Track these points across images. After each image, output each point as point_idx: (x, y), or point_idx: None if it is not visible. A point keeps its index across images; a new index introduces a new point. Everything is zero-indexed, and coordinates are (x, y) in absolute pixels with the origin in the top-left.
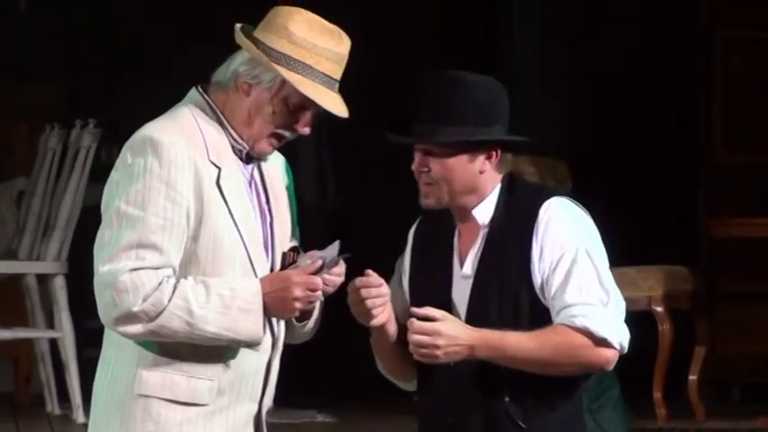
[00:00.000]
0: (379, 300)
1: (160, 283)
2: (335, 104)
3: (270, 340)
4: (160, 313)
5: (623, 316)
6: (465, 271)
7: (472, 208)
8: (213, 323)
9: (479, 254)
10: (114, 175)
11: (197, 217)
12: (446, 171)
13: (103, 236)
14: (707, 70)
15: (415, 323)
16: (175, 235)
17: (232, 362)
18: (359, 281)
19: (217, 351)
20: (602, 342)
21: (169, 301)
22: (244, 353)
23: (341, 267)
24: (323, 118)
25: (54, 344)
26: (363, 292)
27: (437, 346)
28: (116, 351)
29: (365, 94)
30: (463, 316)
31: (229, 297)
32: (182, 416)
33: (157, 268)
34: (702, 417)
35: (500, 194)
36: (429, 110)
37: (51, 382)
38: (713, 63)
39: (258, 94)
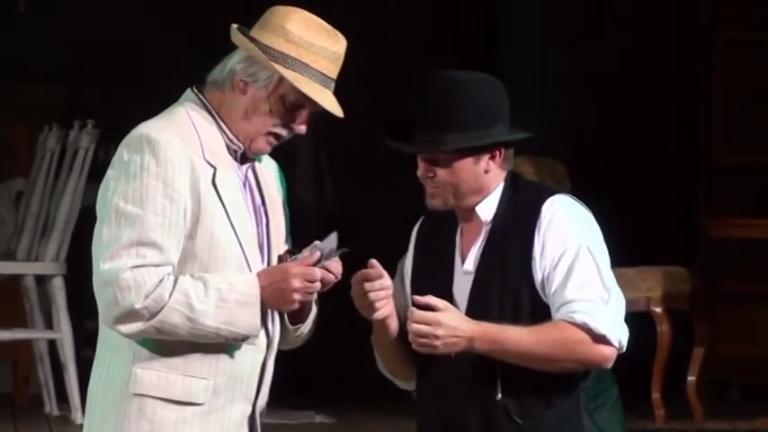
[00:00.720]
0: (382, 293)
1: (161, 280)
2: (331, 103)
3: (265, 340)
4: (161, 309)
5: (623, 314)
6: (466, 267)
7: (475, 205)
8: (212, 317)
9: (481, 250)
10: (110, 173)
11: (193, 215)
12: (452, 176)
13: (102, 234)
14: (707, 71)
15: (416, 312)
16: (174, 233)
17: (227, 361)
18: (362, 273)
19: (212, 350)
20: (601, 339)
21: (170, 296)
22: (239, 352)
23: (338, 262)
24: (320, 118)
25: (53, 344)
26: (367, 285)
27: (436, 336)
28: (110, 352)
29: (364, 95)
30: (463, 312)
31: (227, 290)
32: (177, 415)
33: (158, 266)
34: (701, 417)
35: (503, 192)
36: (430, 116)
37: (50, 382)
38: (713, 64)
39: (255, 93)
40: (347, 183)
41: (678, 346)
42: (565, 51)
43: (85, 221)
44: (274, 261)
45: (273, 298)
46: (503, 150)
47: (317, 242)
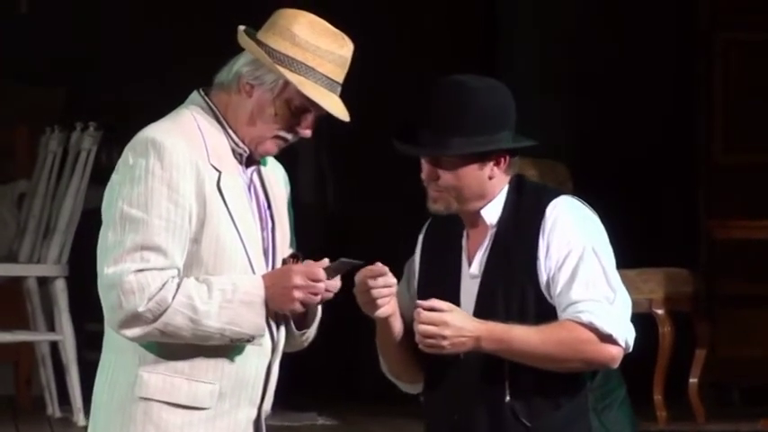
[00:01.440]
0: (386, 290)
1: (165, 284)
2: (337, 107)
3: (270, 344)
4: (164, 311)
5: (629, 315)
6: (473, 271)
7: (480, 209)
8: (216, 318)
9: (487, 254)
10: (115, 176)
11: (199, 219)
12: (456, 180)
13: (107, 238)
14: (707, 71)
15: (423, 313)
16: (178, 237)
17: (233, 366)
18: (367, 269)
19: (217, 354)
20: (607, 338)
21: (173, 298)
22: (244, 357)
23: (337, 279)
24: (323, 120)
25: (55, 347)
26: (370, 281)
27: (444, 337)
28: (116, 355)
29: (364, 96)
30: (471, 315)
31: (231, 291)
32: (182, 419)
33: (162, 269)
34: (703, 419)
35: (507, 195)
36: (436, 120)
37: (52, 384)
38: (713, 64)
39: (260, 96)
40: (349, 185)
41: (680, 348)
42: (565, 52)
43: (88, 223)
44: (279, 265)
45: (276, 297)
46: (507, 157)
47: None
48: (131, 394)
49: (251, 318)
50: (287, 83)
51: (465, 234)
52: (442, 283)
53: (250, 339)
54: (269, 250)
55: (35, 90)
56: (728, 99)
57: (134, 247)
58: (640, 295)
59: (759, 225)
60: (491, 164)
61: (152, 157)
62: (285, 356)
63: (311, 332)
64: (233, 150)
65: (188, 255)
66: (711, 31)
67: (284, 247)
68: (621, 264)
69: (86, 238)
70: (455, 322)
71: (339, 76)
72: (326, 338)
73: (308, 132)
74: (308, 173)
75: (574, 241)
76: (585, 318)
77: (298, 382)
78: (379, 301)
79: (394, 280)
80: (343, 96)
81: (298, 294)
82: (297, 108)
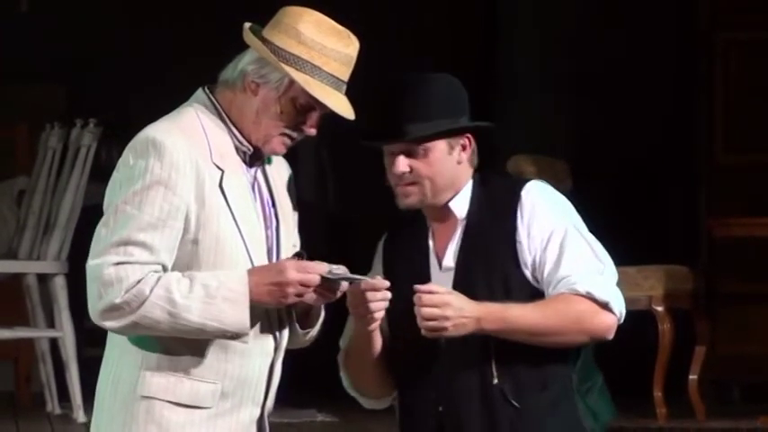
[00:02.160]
0: (382, 304)
1: (144, 277)
2: (342, 106)
3: (272, 344)
4: (142, 303)
5: (616, 284)
6: (446, 264)
7: (448, 202)
8: (197, 312)
9: (459, 245)
10: (116, 175)
11: (198, 219)
12: (429, 167)
13: (99, 233)
14: (707, 71)
15: (424, 296)
16: (168, 236)
17: (235, 365)
18: (366, 283)
19: (220, 354)
20: (604, 306)
21: (151, 291)
22: (247, 356)
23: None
24: (327, 118)
25: (54, 343)
26: (369, 294)
27: (446, 317)
28: (119, 352)
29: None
30: None
31: (214, 287)
32: (185, 418)
33: (144, 264)
34: (703, 416)
35: (474, 188)
36: (396, 111)
37: (52, 381)
38: (713, 64)
39: (266, 94)
40: (348, 184)
41: (680, 345)
42: (565, 51)
43: (87, 220)
44: None
45: (267, 293)
46: (472, 141)
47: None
48: (134, 393)
49: (234, 314)
50: (292, 81)
51: (430, 233)
52: (410, 282)
53: (235, 336)
54: (273, 249)
55: (36, 87)
56: (729, 98)
57: (119, 241)
58: (640, 292)
59: (759, 223)
60: (458, 148)
61: (152, 156)
62: (285, 354)
63: (315, 331)
64: (237, 149)
65: (188, 255)
66: (712, 30)
67: (288, 246)
68: (622, 261)
69: (86, 235)
70: (456, 303)
71: (345, 74)
72: (326, 336)
73: (313, 131)
74: (309, 171)
75: (555, 221)
76: (582, 288)
77: (298, 379)
78: (376, 315)
79: (389, 295)
80: (347, 94)
81: (290, 290)
82: (302, 106)
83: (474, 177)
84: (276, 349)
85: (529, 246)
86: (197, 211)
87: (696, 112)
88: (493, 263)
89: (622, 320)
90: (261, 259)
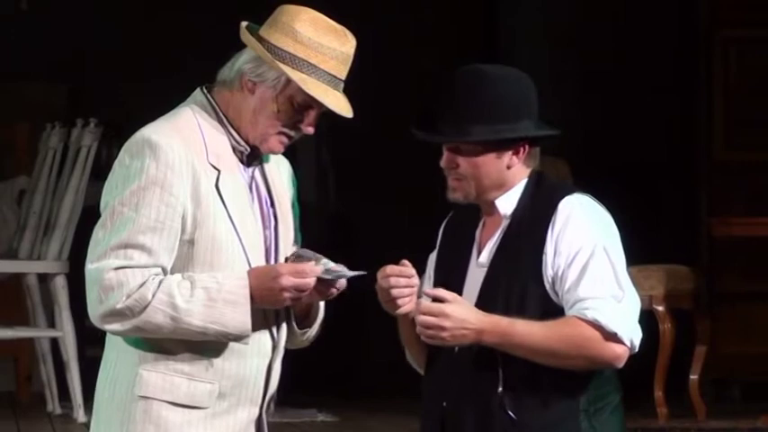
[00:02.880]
0: (407, 290)
1: (145, 281)
2: (340, 104)
3: (270, 344)
4: (144, 308)
5: (637, 316)
6: (481, 260)
7: (496, 199)
8: (198, 316)
9: (497, 244)
10: (112, 176)
11: (194, 220)
12: (474, 168)
13: (97, 235)
14: (707, 70)
15: (423, 304)
16: (166, 237)
17: (232, 365)
18: (390, 268)
19: (217, 354)
20: (612, 337)
21: (153, 296)
22: (244, 356)
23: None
24: (325, 114)
25: (55, 343)
26: (392, 280)
27: (443, 328)
28: (117, 352)
29: (366, 93)
30: (473, 305)
31: (215, 290)
32: (182, 418)
33: (144, 267)
34: (703, 416)
35: (525, 188)
36: (456, 108)
37: (52, 381)
38: (713, 62)
39: (263, 93)
40: (349, 180)
41: (680, 345)
42: (566, 51)
43: (88, 220)
44: None
45: (264, 297)
46: (527, 146)
47: (328, 261)
48: (131, 393)
49: (235, 317)
50: (289, 80)
51: (481, 224)
52: (450, 271)
53: (237, 338)
54: (271, 249)
55: (36, 87)
56: (729, 97)
57: (118, 244)
58: (641, 292)
59: (759, 222)
60: (510, 153)
61: (147, 157)
62: (285, 354)
63: (313, 331)
64: (234, 148)
65: (185, 255)
66: (712, 29)
67: (287, 246)
68: None
69: (87, 235)
70: (456, 314)
71: (342, 72)
72: (327, 336)
73: (310, 129)
74: (310, 170)
75: (585, 239)
76: (590, 315)
77: (298, 379)
78: (399, 301)
79: (417, 281)
80: (345, 92)
81: (286, 295)
82: (299, 105)
83: (530, 176)
84: (274, 349)
85: (554, 260)
86: (193, 212)
87: (696, 110)
88: (517, 270)
89: (636, 350)
90: (259, 260)
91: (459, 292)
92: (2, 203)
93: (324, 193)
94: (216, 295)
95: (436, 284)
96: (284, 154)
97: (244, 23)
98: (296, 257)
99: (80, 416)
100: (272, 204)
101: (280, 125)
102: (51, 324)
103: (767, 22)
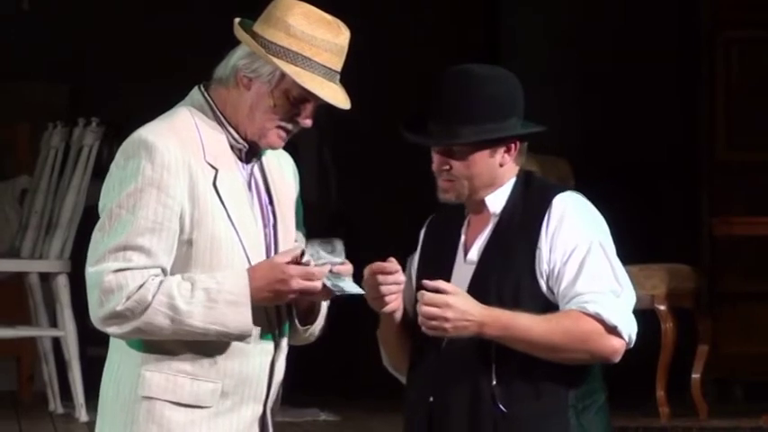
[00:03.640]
0: (394, 287)
1: (145, 282)
2: (336, 96)
3: (272, 341)
4: (144, 310)
5: (632, 310)
6: (470, 257)
7: (485, 197)
8: (199, 317)
9: (486, 241)
10: (109, 178)
11: (192, 220)
12: (467, 168)
13: (96, 238)
14: (709, 70)
15: (426, 295)
16: (165, 238)
17: (235, 364)
18: (376, 265)
19: (220, 353)
20: (612, 330)
21: (153, 297)
22: (247, 355)
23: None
24: (324, 112)
25: (57, 342)
26: (380, 277)
27: (446, 319)
28: (120, 354)
29: (367, 93)
30: None
31: (215, 291)
32: (185, 418)
33: (144, 268)
34: (705, 415)
35: (515, 186)
36: (445, 109)
37: (54, 380)
38: (715, 63)
39: (258, 88)
40: (350, 178)
41: (682, 344)
42: (567, 51)
43: (90, 219)
44: None
45: (268, 297)
46: (518, 143)
47: (322, 252)
48: (135, 393)
49: (236, 317)
50: (284, 74)
51: (466, 223)
52: (435, 271)
53: (238, 338)
54: (271, 247)
55: (38, 86)
56: (731, 97)
57: (117, 246)
58: (643, 291)
59: (761, 222)
60: (502, 151)
61: (143, 158)
62: (288, 353)
63: (315, 328)
64: (232, 146)
65: (184, 256)
66: (714, 29)
67: (287, 243)
68: (624, 260)
69: (88, 234)
70: (459, 305)
71: (337, 64)
72: (328, 334)
73: (308, 122)
74: (311, 168)
75: (581, 236)
76: (592, 308)
77: (300, 379)
78: (387, 298)
79: (403, 278)
80: (345, 87)
81: (291, 296)
82: (295, 98)
83: (519, 175)
84: (276, 346)
85: (549, 256)
86: (191, 212)
87: (698, 110)
88: (510, 265)
89: (632, 345)
90: (259, 258)
91: None
92: (4, 203)
93: (325, 191)
94: (216, 296)
95: (420, 285)
96: (286, 150)
97: (237, 19)
98: (311, 250)
99: (82, 415)
100: (271, 202)
101: (277, 119)
102: (53, 323)
103: None
